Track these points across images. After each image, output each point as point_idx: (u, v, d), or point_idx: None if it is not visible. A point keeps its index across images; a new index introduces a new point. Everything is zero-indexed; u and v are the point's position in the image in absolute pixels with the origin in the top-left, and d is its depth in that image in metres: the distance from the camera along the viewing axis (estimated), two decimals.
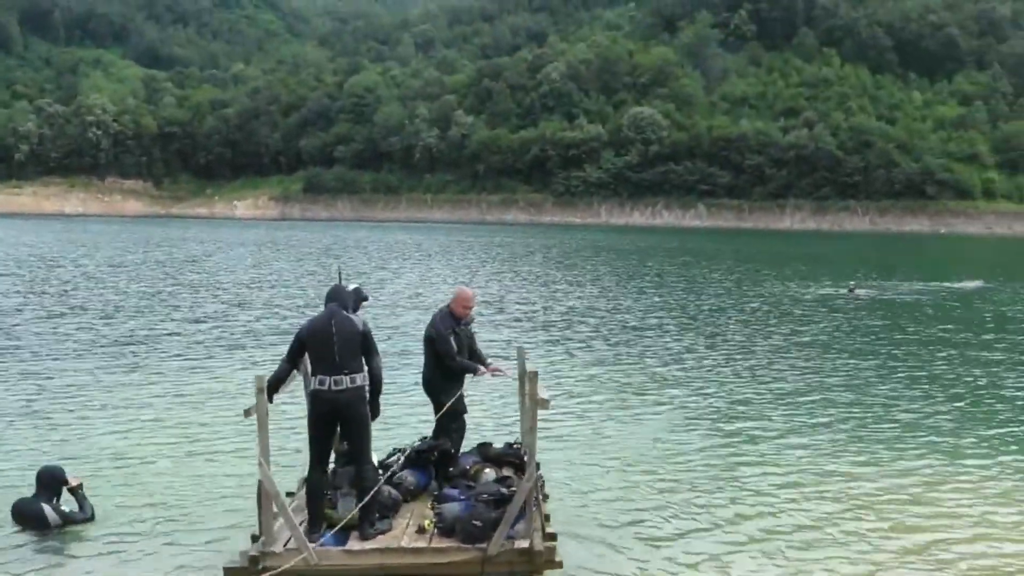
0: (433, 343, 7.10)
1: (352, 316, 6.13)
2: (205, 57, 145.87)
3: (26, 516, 6.72)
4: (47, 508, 6.68)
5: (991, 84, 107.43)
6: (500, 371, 7.64)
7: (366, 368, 6.07)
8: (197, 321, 18.17)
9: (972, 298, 26.90)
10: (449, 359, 7.02)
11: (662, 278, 30.73)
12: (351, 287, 7.49)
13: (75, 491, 6.85)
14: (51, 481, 6.85)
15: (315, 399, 6.09)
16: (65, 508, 6.76)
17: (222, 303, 21.23)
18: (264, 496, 5.73)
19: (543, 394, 5.94)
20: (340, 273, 8.55)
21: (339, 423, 6.13)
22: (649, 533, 6.88)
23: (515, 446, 7.63)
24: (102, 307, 20.19)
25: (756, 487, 7.89)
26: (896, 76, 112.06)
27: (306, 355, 6.27)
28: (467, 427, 7.60)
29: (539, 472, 6.41)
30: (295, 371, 6.44)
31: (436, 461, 7.27)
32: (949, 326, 19.78)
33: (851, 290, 26.87)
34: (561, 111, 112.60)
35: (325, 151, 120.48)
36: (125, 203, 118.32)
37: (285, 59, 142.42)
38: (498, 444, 7.92)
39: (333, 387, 5.97)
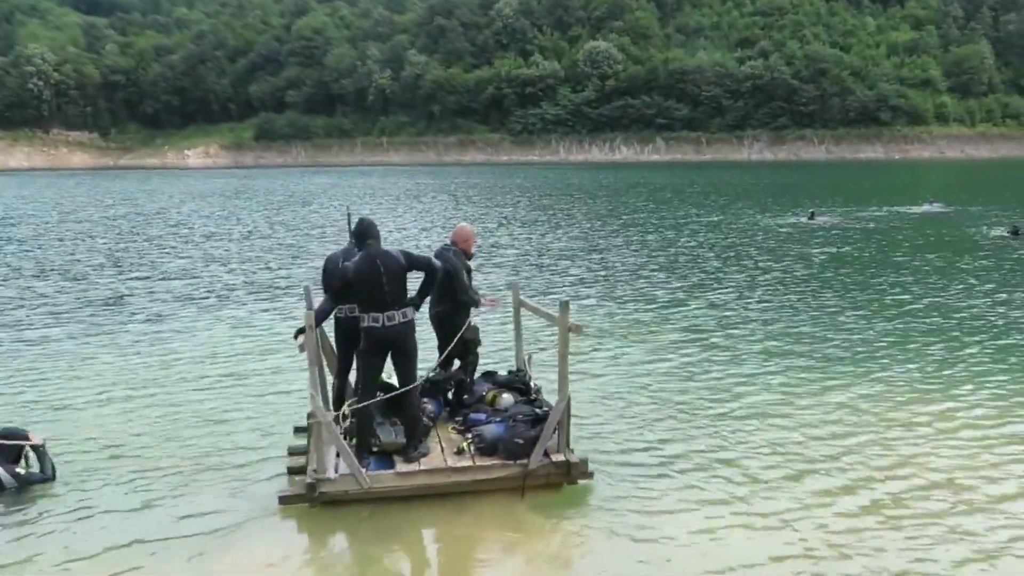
0: (450, 278, 7.34)
1: (392, 251, 6.34)
2: (147, 1, 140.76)
3: None
4: (1, 470, 6.61)
5: (942, 8, 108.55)
6: (494, 303, 7.96)
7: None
8: (172, 277, 17.61)
9: (933, 221, 27.75)
10: (463, 293, 7.30)
11: (636, 215, 30.96)
12: None
13: (38, 449, 6.83)
14: (9, 443, 6.77)
15: (368, 335, 6.33)
16: (21, 471, 6.68)
17: (196, 257, 20.80)
18: (316, 426, 6.00)
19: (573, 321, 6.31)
20: (349, 216, 8.71)
21: (391, 354, 6.42)
22: (654, 447, 7.33)
23: (519, 373, 7.99)
24: (69, 266, 19.50)
25: (762, 413, 8.25)
26: (849, 2, 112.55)
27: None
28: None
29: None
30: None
31: (451, 389, 7.59)
32: (925, 252, 20.42)
33: (811, 217, 27.57)
34: (515, 48, 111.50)
35: (276, 96, 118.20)
36: (72, 155, 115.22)
37: (229, 1, 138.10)
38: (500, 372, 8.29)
39: (387, 323, 6.25)
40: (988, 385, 9.01)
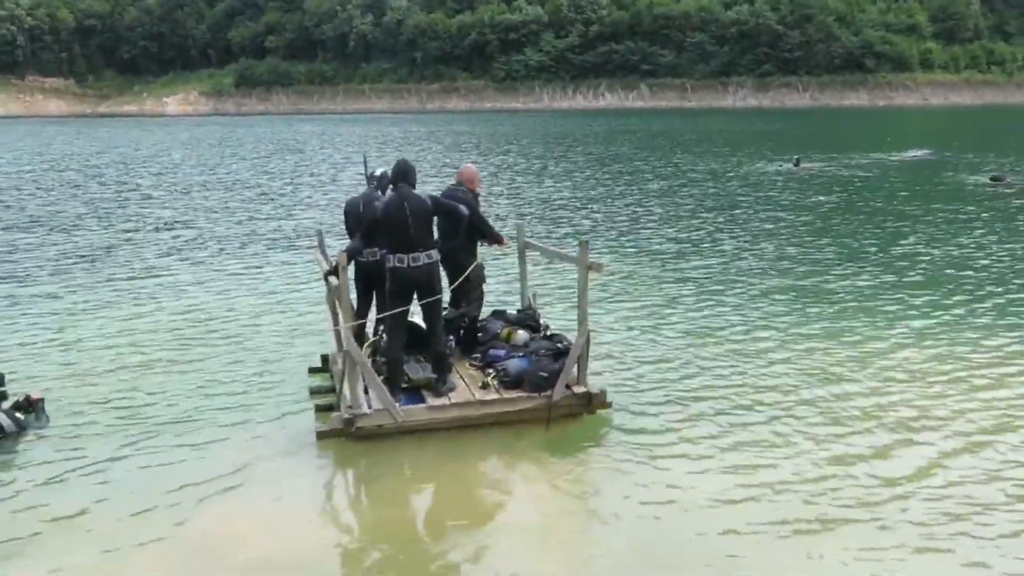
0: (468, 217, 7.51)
1: (421, 195, 6.58)
2: None
3: None
4: (0, 414, 6.58)
5: None
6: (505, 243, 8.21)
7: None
8: (163, 228, 17.36)
9: (917, 167, 28.12)
10: (488, 228, 7.46)
11: (631, 163, 31.02)
12: (378, 172, 7.88)
13: (36, 404, 6.84)
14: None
15: (394, 275, 6.59)
16: (20, 415, 6.69)
17: (187, 208, 20.68)
18: (350, 364, 6.30)
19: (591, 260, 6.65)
20: (366, 160, 8.89)
21: (415, 293, 6.69)
22: (663, 382, 7.69)
23: (528, 311, 8.29)
24: (55, 217, 19.12)
25: (762, 354, 8.55)
26: None
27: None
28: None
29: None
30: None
31: (464, 328, 7.88)
32: (912, 199, 20.83)
33: (796, 163, 27.73)
34: None
35: (255, 42, 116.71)
36: (48, 102, 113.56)
37: None
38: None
39: (412, 264, 6.50)
40: (990, 333, 9.11)
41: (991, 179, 23.23)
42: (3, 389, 6.90)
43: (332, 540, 5.27)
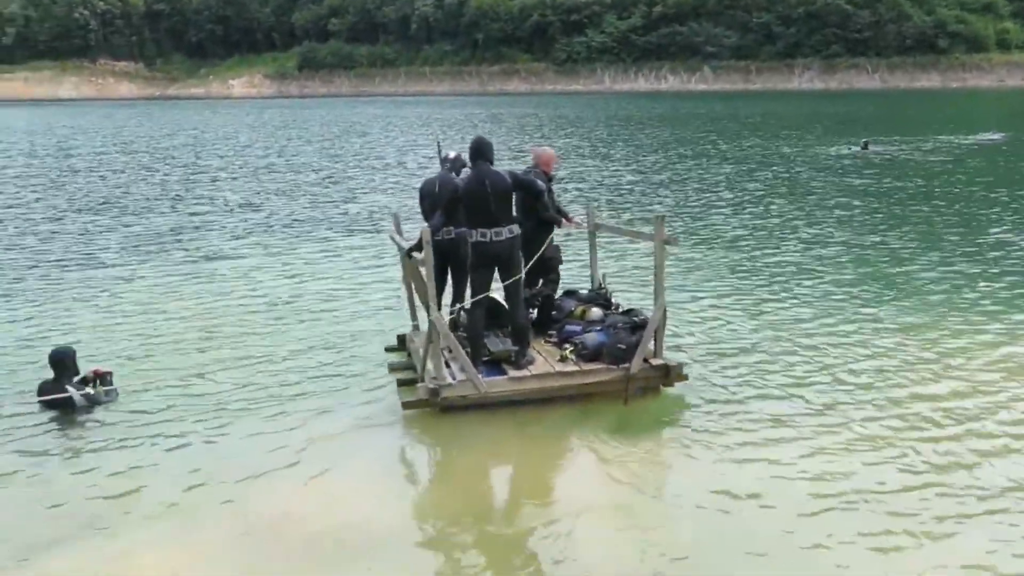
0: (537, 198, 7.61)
1: (499, 171, 6.72)
2: None
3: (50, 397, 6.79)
4: (72, 389, 6.75)
5: None
6: (578, 223, 8.29)
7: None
8: (236, 210, 17.62)
9: (989, 151, 27.25)
10: (544, 211, 7.55)
11: (697, 147, 30.71)
12: (452, 154, 8.03)
13: (103, 378, 7.01)
14: (65, 362, 6.92)
15: (476, 249, 6.77)
16: (90, 390, 6.84)
17: (258, 191, 21.02)
18: (434, 336, 6.47)
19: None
20: (439, 145, 9.05)
21: (496, 268, 6.85)
22: (737, 368, 7.66)
23: (599, 290, 8.36)
24: (130, 199, 19.53)
25: (834, 341, 8.47)
26: None
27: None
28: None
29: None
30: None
31: (539, 306, 7.99)
32: (993, 186, 20.23)
33: (865, 146, 27.10)
34: None
35: (319, 24, 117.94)
36: (119, 86, 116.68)
37: None
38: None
39: (494, 238, 6.67)
40: None
41: None
42: (75, 364, 7.08)
43: (405, 516, 5.36)
